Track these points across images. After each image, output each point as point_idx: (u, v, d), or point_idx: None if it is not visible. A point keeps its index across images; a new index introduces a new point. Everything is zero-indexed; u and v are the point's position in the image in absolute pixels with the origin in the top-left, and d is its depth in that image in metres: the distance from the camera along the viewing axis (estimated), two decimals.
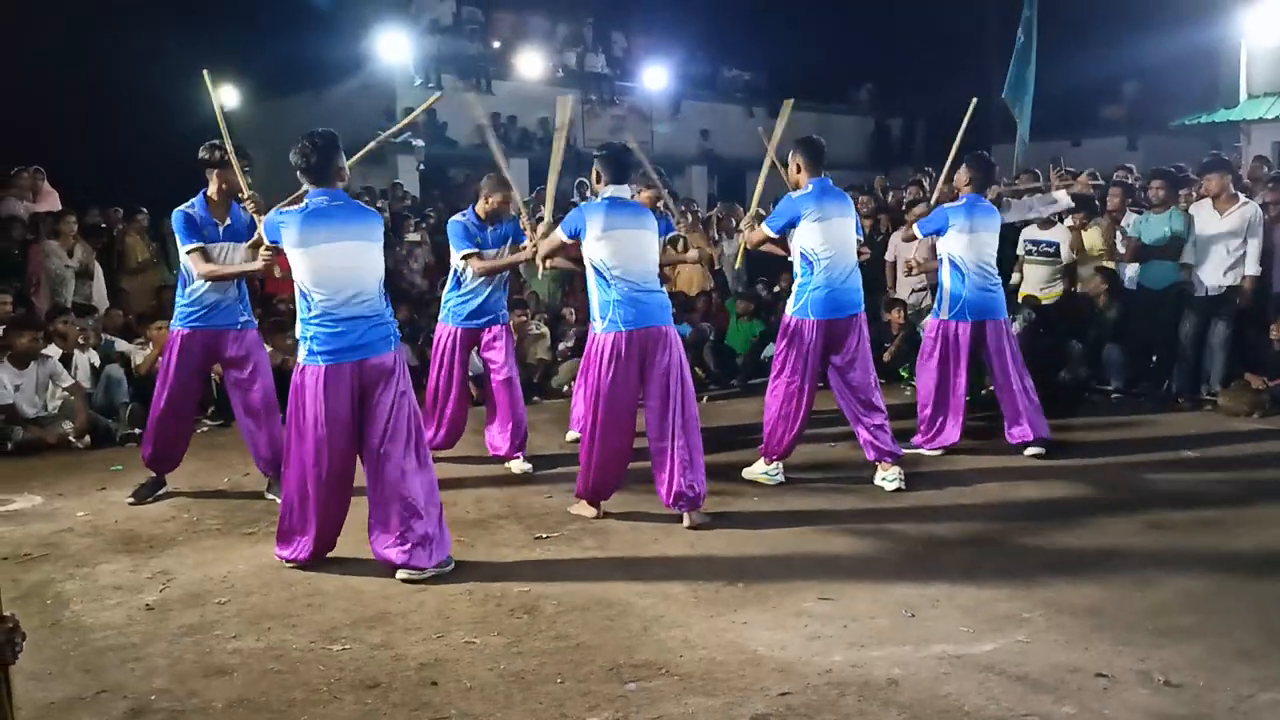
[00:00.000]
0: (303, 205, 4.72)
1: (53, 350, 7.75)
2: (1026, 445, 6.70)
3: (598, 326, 5.36)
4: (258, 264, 5.29)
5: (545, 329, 9.90)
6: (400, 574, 4.61)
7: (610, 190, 5.45)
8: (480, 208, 6.53)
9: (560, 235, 5.52)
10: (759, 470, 6.18)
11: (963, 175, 6.90)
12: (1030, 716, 3.29)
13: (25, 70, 16.44)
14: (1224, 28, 16.25)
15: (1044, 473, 6.32)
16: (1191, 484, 6.08)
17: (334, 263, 4.61)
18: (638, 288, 5.30)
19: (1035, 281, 8.98)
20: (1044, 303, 8.84)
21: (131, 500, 6.01)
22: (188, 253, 5.66)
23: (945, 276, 6.81)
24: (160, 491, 6.12)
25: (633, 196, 5.77)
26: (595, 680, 3.61)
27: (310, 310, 4.63)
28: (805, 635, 3.96)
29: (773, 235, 6.23)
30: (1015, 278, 9.12)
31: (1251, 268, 8.01)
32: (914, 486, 6.03)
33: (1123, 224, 8.63)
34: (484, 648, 3.90)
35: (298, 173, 4.73)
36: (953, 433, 6.81)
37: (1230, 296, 8.06)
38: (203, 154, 5.74)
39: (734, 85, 23.07)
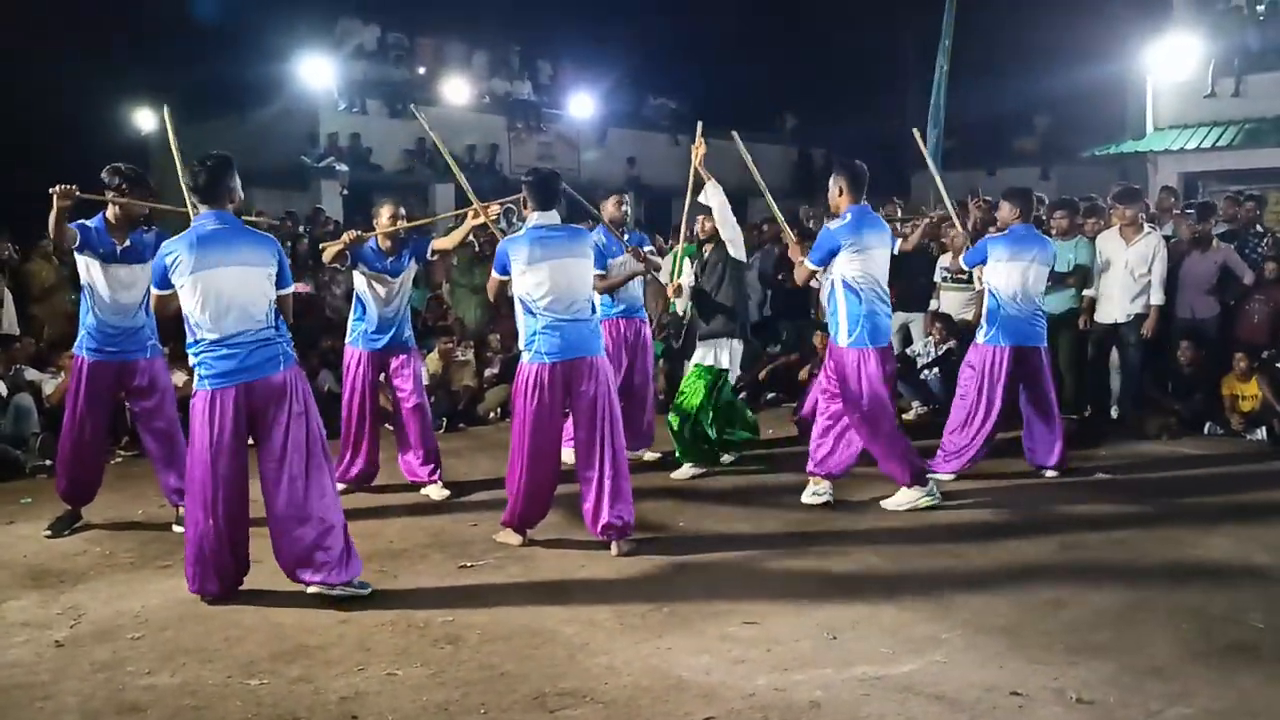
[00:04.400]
0: (190, 229, 4.63)
1: None
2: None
3: (525, 356, 5.34)
4: None
5: (471, 355, 9.85)
6: (311, 589, 4.58)
7: (536, 218, 5.41)
8: (379, 237, 6.45)
9: (496, 277, 5.49)
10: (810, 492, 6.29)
11: (1006, 211, 7.00)
12: None
13: None
14: (1131, 63, 16.83)
15: (961, 496, 6.44)
16: (1103, 505, 6.24)
17: (222, 288, 4.54)
18: (563, 318, 5.28)
19: (952, 306, 9.19)
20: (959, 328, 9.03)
21: (49, 533, 5.85)
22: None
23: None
24: (77, 524, 5.96)
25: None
26: (519, 709, 3.59)
27: (196, 337, 4.57)
28: (729, 659, 3.98)
29: (812, 269, 6.23)
30: (934, 304, 9.33)
31: (1156, 297, 8.27)
32: (835, 511, 6.12)
33: None
34: (406, 679, 3.86)
35: (187, 192, 4.67)
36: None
37: (1137, 324, 8.31)
38: (104, 177, 5.67)
39: (660, 114, 23.24)
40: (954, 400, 7.09)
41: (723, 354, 6.98)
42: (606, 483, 5.30)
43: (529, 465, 5.33)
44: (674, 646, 4.12)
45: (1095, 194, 10.28)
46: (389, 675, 3.89)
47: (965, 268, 7.16)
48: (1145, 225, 8.42)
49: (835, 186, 6.18)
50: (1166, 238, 8.62)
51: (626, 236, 7.05)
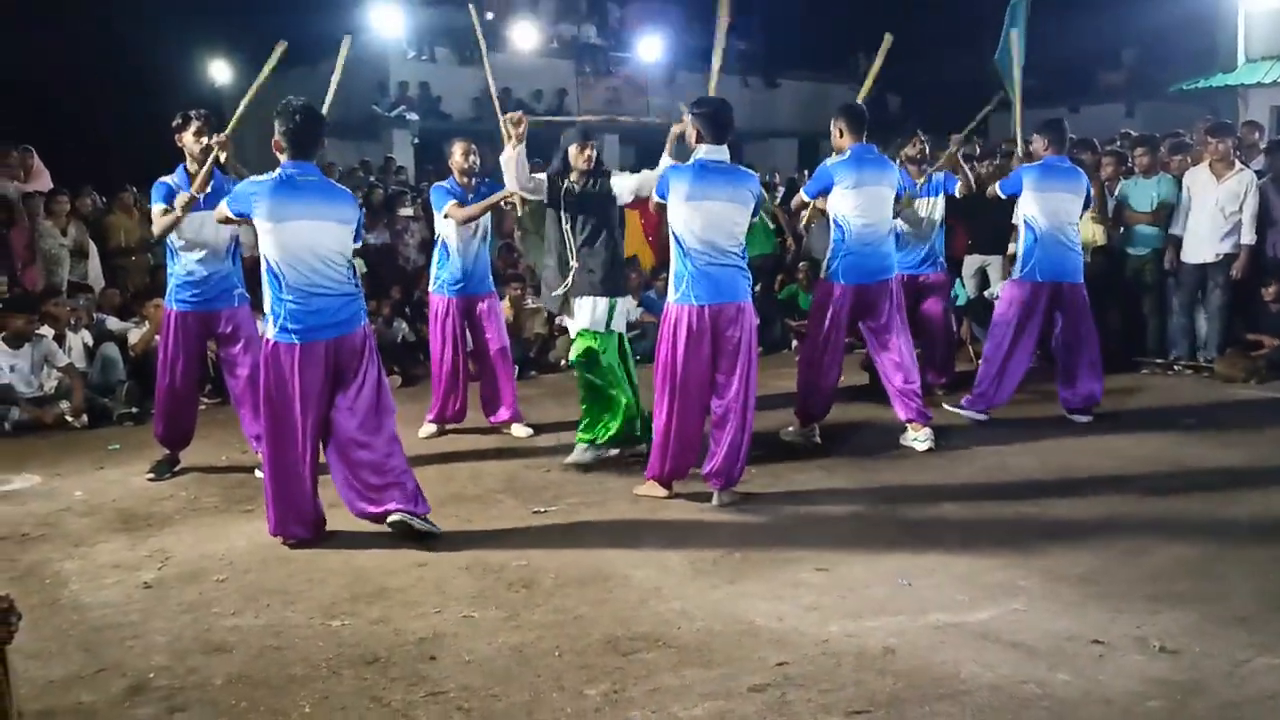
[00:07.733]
0: (274, 175, 4.64)
1: (46, 331, 7.74)
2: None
3: (671, 297, 5.21)
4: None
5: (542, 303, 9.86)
6: (393, 517, 4.67)
7: (704, 151, 5.13)
8: (456, 172, 6.63)
9: (655, 199, 5.32)
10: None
11: (1038, 142, 6.82)
12: (1026, 684, 3.31)
13: (13, 50, 16.32)
14: None
15: (1040, 441, 6.32)
16: (1187, 451, 6.08)
17: (305, 241, 4.57)
18: (714, 261, 5.10)
19: None
20: None
21: (151, 476, 6.05)
22: (157, 213, 5.72)
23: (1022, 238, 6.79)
24: (176, 467, 6.16)
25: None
26: (593, 653, 3.63)
27: (281, 287, 4.60)
28: (802, 606, 3.97)
29: (806, 200, 6.37)
30: (1011, 247, 9.09)
31: (1247, 236, 7.98)
32: (909, 457, 6.05)
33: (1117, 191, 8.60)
34: (482, 622, 3.92)
35: (277, 137, 4.65)
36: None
37: (1226, 264, 8.03)
38: (178, 120, 5.85)
39: (729, 55, 22.93)
40: (990, 337, 6.90)
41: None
42: (732, 434, 5.18)
43: (680, 413, 5.19)
44: (746, 592, 4.12)
45: (1182, 129, 9.91)
46: (465, 617, 3.95)
47: (1001, 195, 6.92)
48: (1237, 162, 8.10)
49: (835, 128, 6.22)
50: (1257, 173, 8.29)
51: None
